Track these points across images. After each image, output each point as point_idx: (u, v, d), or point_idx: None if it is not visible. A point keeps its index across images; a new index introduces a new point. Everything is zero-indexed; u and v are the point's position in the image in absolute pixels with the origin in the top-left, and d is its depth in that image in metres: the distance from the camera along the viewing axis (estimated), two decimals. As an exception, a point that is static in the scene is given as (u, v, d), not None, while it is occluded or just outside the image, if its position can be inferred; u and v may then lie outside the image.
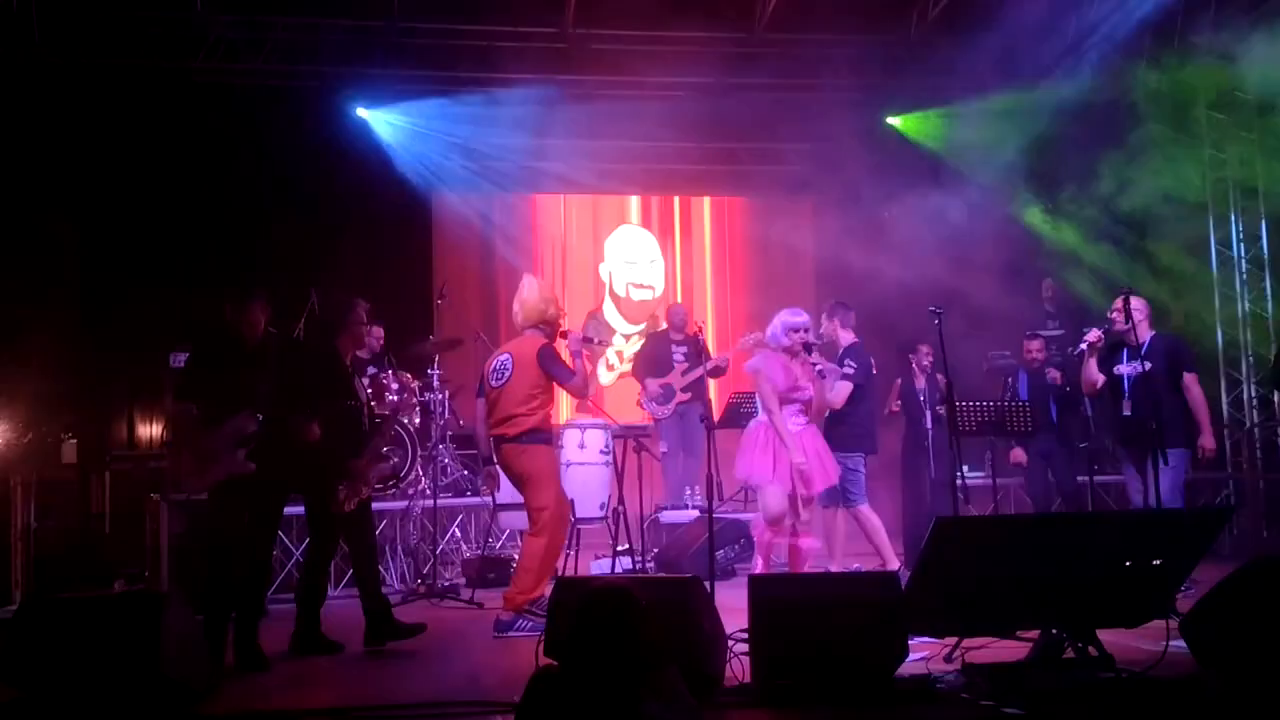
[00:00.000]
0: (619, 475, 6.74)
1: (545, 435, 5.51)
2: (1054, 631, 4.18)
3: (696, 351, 8.08)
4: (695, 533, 7.07)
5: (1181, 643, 4.11)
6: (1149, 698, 3.90)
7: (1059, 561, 4.01)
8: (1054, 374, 7.26)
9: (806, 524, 5.68)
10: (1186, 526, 4.31)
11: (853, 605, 3.97)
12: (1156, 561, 4.12)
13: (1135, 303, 6.03)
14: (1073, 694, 3.94)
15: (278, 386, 4.78)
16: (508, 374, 5.41)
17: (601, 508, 7.29)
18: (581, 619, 2.86)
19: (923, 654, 4.34)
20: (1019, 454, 7.38)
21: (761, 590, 4.07)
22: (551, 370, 5.39)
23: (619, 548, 6.75)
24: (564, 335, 5.62)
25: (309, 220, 8.66)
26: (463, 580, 7.00)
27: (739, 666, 4.09)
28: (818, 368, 5.64)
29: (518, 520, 6.47)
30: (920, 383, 7.47)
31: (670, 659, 3.00)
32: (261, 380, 4.74)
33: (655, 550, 7.29)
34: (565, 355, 5.57)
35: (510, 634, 5.18)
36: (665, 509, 7.82)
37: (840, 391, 6.33)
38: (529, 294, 5.60)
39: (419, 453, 7.33)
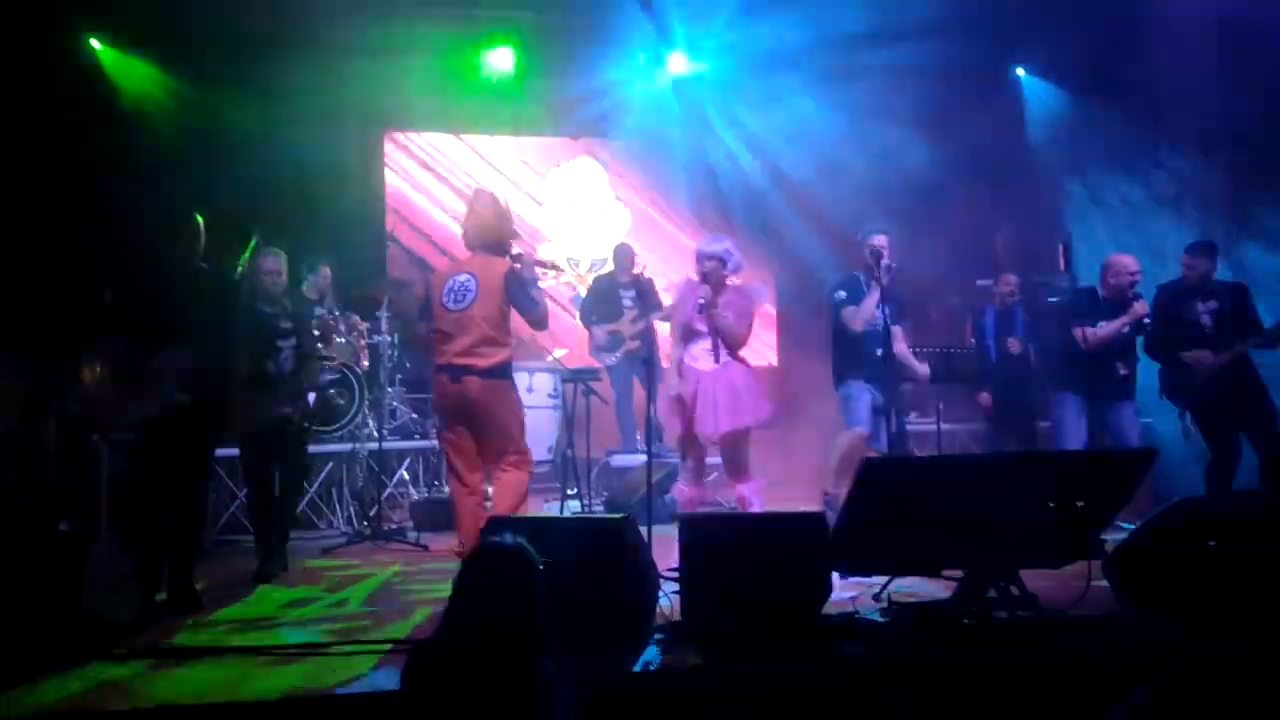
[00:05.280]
0: (568, 419, 6.72)
1: (511, 372, 5.06)
2: (978, 571, 4.25)
3: (644, 296, 8.01)
4: (643, 476, 7.10)
5: (1104, 583, 4.20)
6: (1066, 633, 3.98)
7: (984, 502, 4.06)
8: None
9: (743, 474, 5.45)
10: (1112, 468, 4.37)
11: (778, 546, 4.01)
12: (1080, 503, 4.18)
13: None
14: (992, 630, 4.02)
15: (214, 323, 4.72)
16: (471, 297, 4.89)
17: (549, 451, 7.30)
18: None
19: (851, 593, 4.41)
20: (986, 398, 7.33)
21: (691, 531, 4.10)
22: (518, 297, 4.89)
23: (568, 491, 6.77)
24: (516, 260, 5.05)
25: (252, 155, 8.39)
26: (410, 523, 6.99)
27: (670, 605, 4.13)
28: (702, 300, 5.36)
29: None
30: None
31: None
32: (196, 315, 4.66)
33: (605, 494, 7.32)
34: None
35: None
36: (615, 453, 7.83)
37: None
38: (485, 208, 5.07)
39: (366, 396, 7.28)
